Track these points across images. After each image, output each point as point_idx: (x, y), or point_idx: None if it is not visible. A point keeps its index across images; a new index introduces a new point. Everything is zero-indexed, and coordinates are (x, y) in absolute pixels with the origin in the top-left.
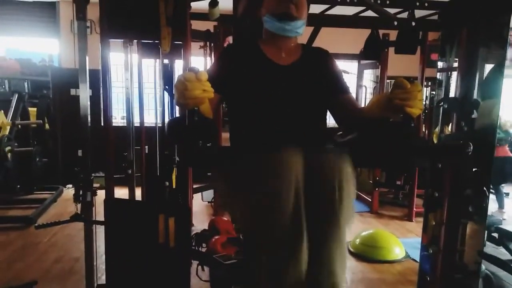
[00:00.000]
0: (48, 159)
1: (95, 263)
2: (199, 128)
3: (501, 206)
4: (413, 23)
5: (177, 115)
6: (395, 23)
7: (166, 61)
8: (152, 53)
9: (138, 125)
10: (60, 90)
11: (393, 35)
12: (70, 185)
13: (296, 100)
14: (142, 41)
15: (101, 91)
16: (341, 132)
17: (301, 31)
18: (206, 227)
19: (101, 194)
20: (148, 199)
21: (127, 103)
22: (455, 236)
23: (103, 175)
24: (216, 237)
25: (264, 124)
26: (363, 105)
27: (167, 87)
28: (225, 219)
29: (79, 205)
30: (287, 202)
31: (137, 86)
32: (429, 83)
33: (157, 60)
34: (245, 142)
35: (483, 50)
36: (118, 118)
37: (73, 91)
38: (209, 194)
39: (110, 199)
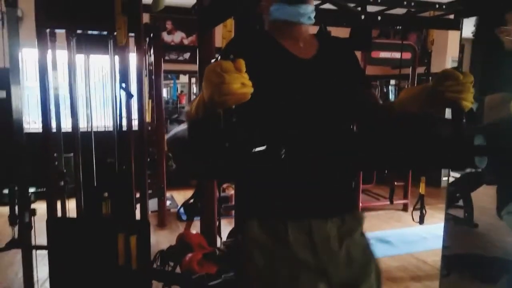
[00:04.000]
0: None
1: None
2: (242, 132)
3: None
4: (379, 17)
5: (130, 117)
6: (362, 17)
7: (116, 56)
8: (94, 46)
9: (70, 130)
10: None
11: (334, 32)
12: None
13: (326, 98)
14: (85, 32)
15: (39, 92)
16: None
17: (313, 18)
18: (155, 240)
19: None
20: (88, 214)
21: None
22: None
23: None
24: (190, 254)
25: (293, 126)
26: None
27: (123, 85)
28: (195, 232)
29: (16, 228)
30: None
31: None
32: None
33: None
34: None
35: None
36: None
37: None
38: (153, 203)
39: (53, 219)
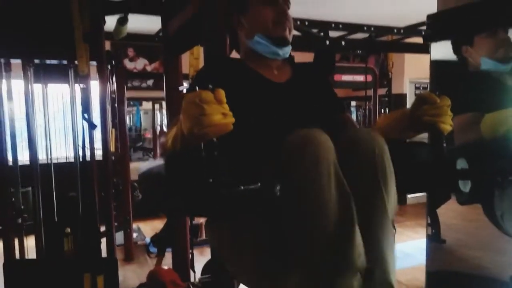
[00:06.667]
0: None
1: None
2: (223, 166)
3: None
4: (343, 43)
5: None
6: (327, 42)
7: (80, 85)
8: (54, 76)
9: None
10: None
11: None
12: None
13: (299, 120)
14: (44, 62)
15: None
16: None
17: (288, 54)
18: (122, 276)
19: None
20: (49, 252)
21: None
22: None
23: None
24: None
25: (266, 147)
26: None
27: (85, 115)
28: (166, 268)
29: None
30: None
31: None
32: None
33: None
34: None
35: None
36: None
37: None
38: (118, 236)
39: (11, 262)
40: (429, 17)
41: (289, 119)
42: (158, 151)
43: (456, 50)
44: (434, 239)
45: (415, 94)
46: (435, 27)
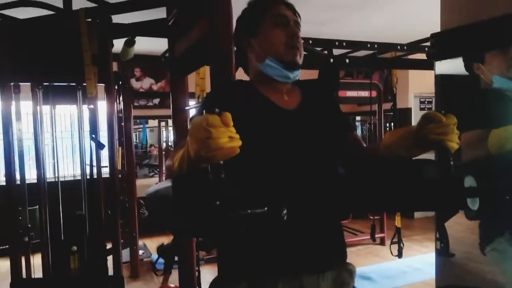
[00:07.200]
0: None
1: None
2: (232, 189)
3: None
4: (347, 60)
5: (103, 165)
6: (331, 60)
7: (88, 106)
8: (62, 97)
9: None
10: None
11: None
12: None
13: (315, 149)
14: (52, 84)
15: (3, 145)
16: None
17: (298, 77)
18: None
19: None
20: (55, 270)
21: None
22: None
23: None
24: None
25: (287, 181)
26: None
27: (93, 135)
28: (173, 286)
29: None
30: None
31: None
32: None
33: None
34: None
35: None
36: None
37: None
38: (124, 253)
39: (18, 281)
40: (433, 35)
41: (296, 145)
42: (163, 168)
43: (467, 67)
44: (443, 253)
45: (420, 109)
46: (439, 46)
